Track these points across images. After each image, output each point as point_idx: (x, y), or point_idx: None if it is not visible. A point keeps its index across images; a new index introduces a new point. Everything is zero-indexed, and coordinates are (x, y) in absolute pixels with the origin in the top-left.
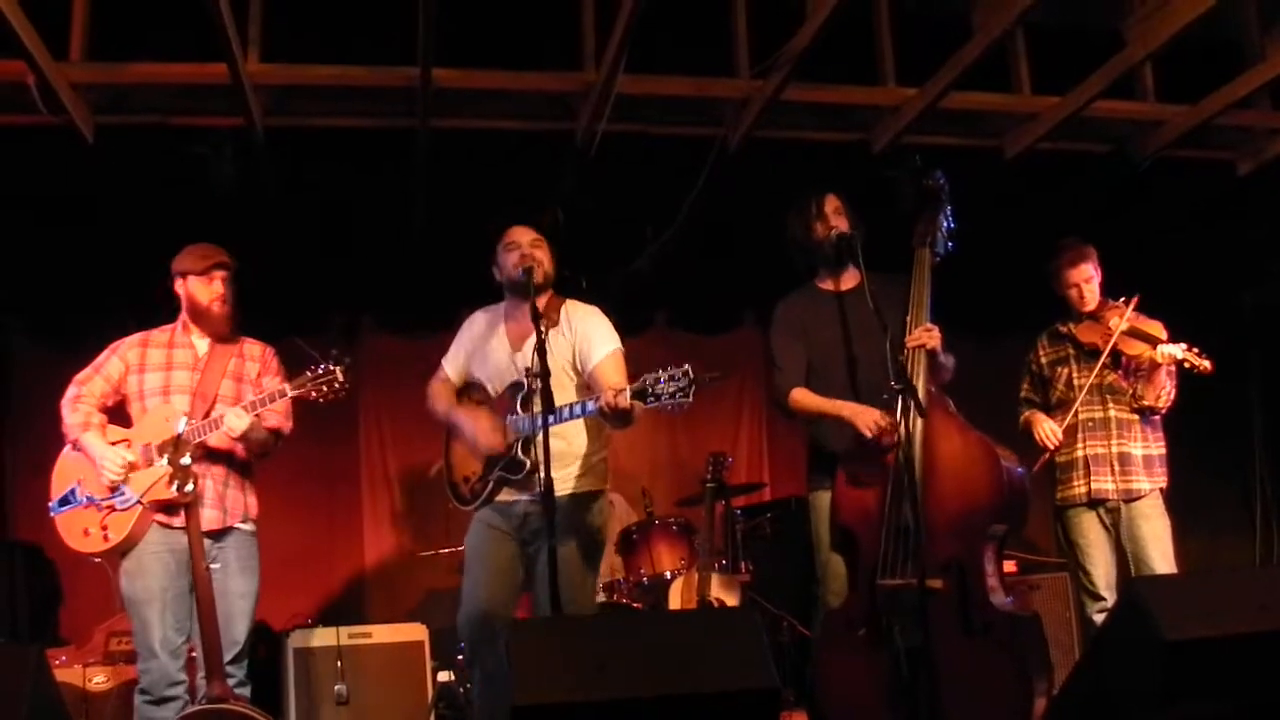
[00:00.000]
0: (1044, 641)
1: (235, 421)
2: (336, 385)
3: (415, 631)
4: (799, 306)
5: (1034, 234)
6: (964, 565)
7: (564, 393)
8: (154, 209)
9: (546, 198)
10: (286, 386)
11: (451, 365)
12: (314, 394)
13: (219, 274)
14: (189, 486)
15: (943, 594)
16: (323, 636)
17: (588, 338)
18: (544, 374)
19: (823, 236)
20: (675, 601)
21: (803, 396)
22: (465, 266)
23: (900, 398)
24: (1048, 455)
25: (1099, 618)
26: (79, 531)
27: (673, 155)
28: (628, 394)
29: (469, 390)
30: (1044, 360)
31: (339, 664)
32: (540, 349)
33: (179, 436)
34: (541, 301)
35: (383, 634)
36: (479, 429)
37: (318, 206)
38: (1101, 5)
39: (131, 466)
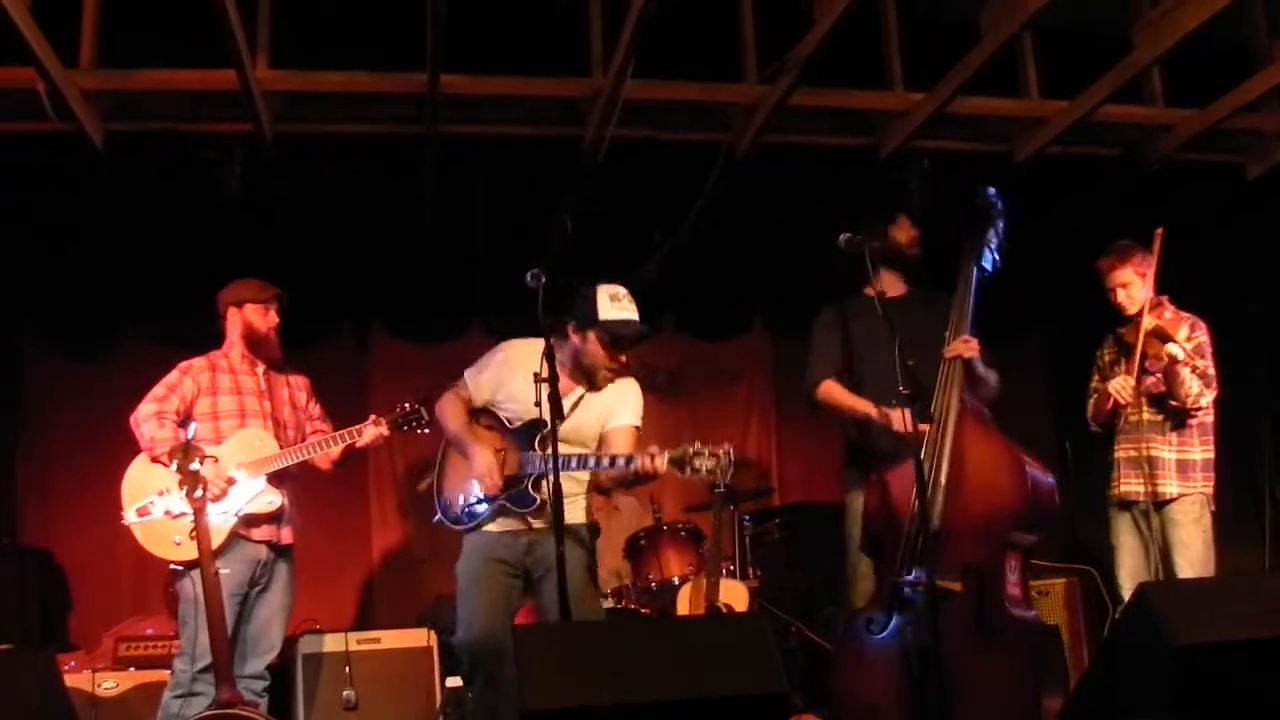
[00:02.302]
0: (1060, 654)
1: (377, 433)
2: (423, 421)
3: (423, 637)
4: (844, 311)
5: (1044, 239)
6: (984, 570)
7: (588, 447)
8: (164, 216)
9: (555, 203)
10: (384, 421)
11: (476, 389)
12: (405, 428)
13: (275, 305)
14: (198, 492)
15: (960, 596)
16: (331, 642)
17: (618, 403)
18: (552, 379)
19: (906, 244)
20: (684, 607)
21: (831, 389)
22: (475, 272)
23: (908, 404)
24: (1125, 407)
25: None
26: (167, 541)
27: (681, 160)
28: (664, 459)
29: (479, 414)
30: (1107, 360)
31: (347, 669)
32: (549, 355)
33: (188, 443)
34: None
35: (391, 639)
36: (485, 466)
37: (327, 212)
38: (1109, 9)
39: (230, 482)
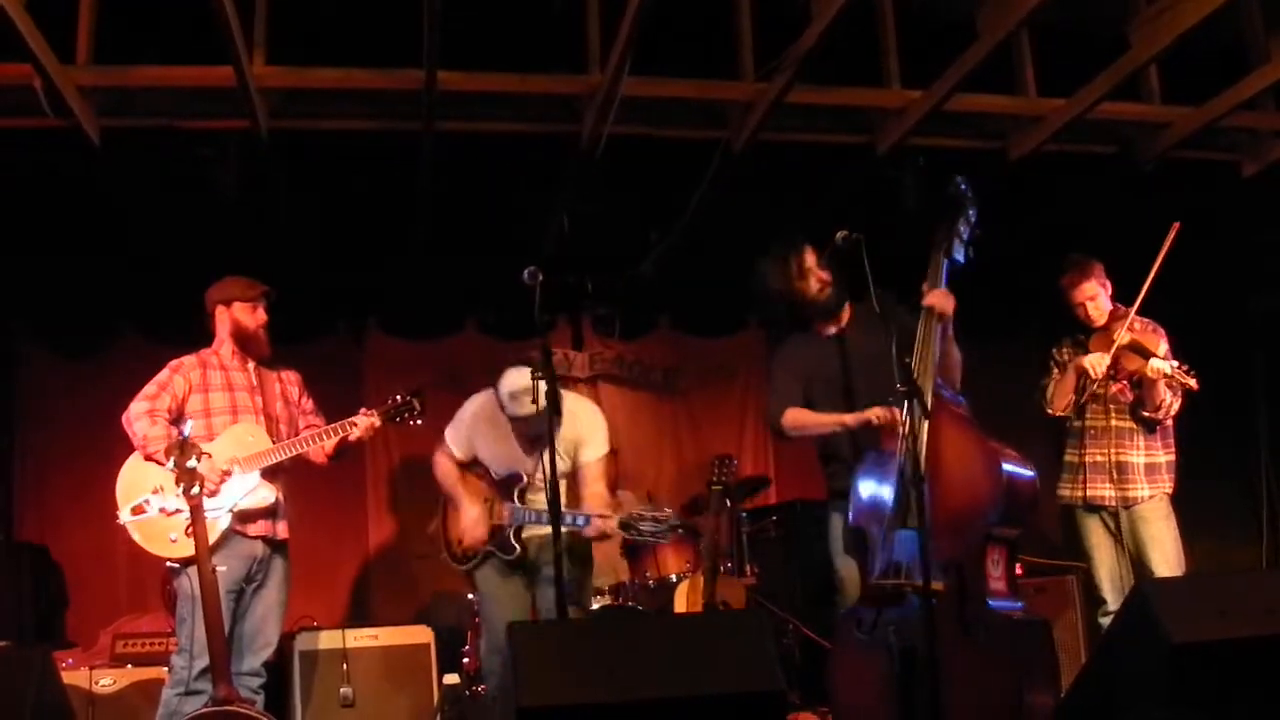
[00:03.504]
0: (1050, 647)
1: (369, 424)
2: (415, 412)
3: (421, 634)
4: (798, 348)
5: (1039, 236)
6: (963, 566)
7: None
8: (160, 212)
9: (551, 201)
10: (376, 413)
11: (456, 449)
12: (397, 420)
13: (263, 303)
14: (195, 489)
15: (942, 594)
16: (328, 639)
17: (584, 436)
18: (549, 377)
19: (816, 293)
20: (681, 604)
21: (796, 414)
22: (471, 269)
23: (906, 400)
24: (1094, 385)
25: (1105, 621)
26: (163, 538)
27: (677, 158)
28: (615, 522)
29: (471, 465)
30: (1066, 358)
31: (345, 666)
32: (545, 352)
33: (185, 440)
34: None
35: (388, 636)
36: (468, 522)
37: (323, 209)
38: (1106, 7)
39: (226, 474)
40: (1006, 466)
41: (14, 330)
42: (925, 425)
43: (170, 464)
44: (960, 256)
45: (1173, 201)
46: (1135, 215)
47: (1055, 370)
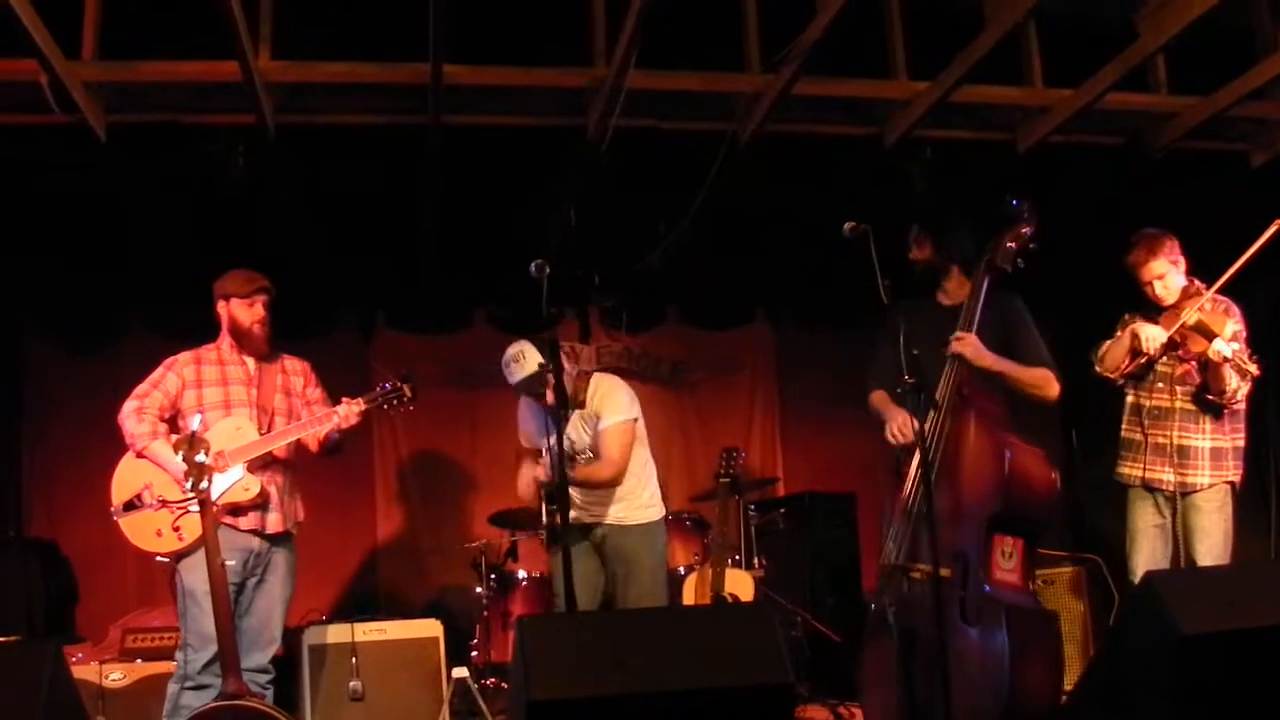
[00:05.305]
0: (1054, 640)
1: (350, 411)
2: (405, 399)
3: (430, 627)
4: (904, 314)
5: (1047, 228)
6: (967, 554)
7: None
8: (166, 208)
9: (558, 194)
10: (361, 400)
11: (521, 435)
12: (384, 406)
13: (260, 298)
14: (204, 484)
15: (949, 582)
16: (337, 633)
17: (599, 409)
18: (556, 370)
19: (916, 259)
20: (689, 597)
21: (875, 398)
22: (477, 263)
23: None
24: (1144, 358)
25: None
26: (150, 533)
27: (684, 150)
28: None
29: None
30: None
31: (354, 660)
32: (553, 345)
33: (194, 434)
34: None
35: (397, 630)
36: (520, 480)
37: (329, 204)
38: None
39: (220, 456)
40: (1015, 460)
41: (22, 327)
42: (933, 419)
43: (179, 457)
44: (1008, 267)
45: (1181, 192)
46: (1144, 207)
47: (1118, 332)
